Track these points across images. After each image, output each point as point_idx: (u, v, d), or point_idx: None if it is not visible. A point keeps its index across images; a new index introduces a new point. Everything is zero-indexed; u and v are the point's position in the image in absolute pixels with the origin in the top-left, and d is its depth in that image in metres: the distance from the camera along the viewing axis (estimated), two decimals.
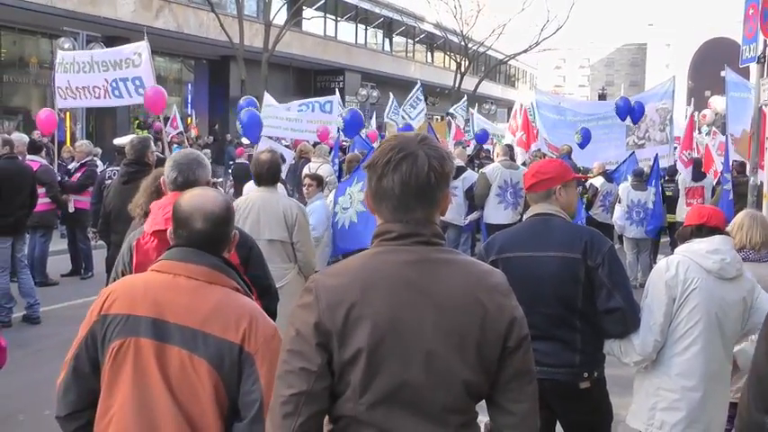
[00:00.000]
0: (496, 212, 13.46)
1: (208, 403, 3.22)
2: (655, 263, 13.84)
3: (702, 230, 5.13)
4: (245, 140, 19.38)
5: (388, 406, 2.69)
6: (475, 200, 14.13)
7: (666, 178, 16.92)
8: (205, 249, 3.37)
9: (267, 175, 7.03)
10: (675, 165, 18.62)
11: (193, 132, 31.47)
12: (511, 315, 2.78)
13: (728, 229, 5.97)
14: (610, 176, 15.86)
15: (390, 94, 28.86)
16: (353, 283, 2.72)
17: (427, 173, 2.73)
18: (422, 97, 26.53)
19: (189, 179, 4.85)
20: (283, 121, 19.49)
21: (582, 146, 18.63)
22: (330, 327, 2.67)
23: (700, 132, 24.21)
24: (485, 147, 24.94)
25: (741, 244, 5.97)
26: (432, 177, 2.74)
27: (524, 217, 5.23)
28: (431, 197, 2.77)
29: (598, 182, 15.64)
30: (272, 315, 4.74)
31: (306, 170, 14.20)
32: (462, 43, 53.50)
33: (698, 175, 16.19)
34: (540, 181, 4.98)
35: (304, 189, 10.74)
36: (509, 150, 14.98)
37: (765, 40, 10.18)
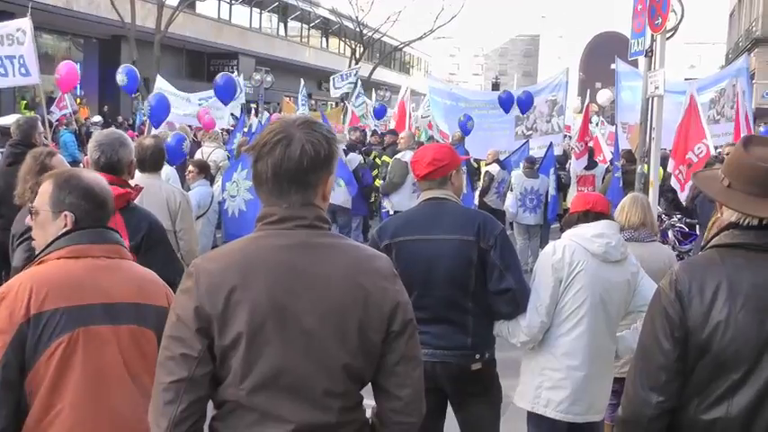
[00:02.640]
0: (410, 202, 12.58)
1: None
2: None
3: (588, 216, 5.30)
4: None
5: (269, 390, 2.68)
6: (387, 186, 13.74)
7: (557, 166, 17.17)
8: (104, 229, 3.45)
9: (150, 161, 6.76)
10: (566, 153, 18.95)
11: (81, 115, 30.38)
12: (394, 299, 2.81)
13: (616, 213, 6.31)
14: (503, 164, 16.04)
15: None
16: (234, 267, 2.70)
17: (299, 157, 2.71)
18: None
19: (111, 159, 4.96)
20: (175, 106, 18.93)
21: (465, 132, 18.68)
22: (210, 311, 2.65)
23: (590, 122, 24.76)
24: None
25: (620, 224, 6.19)
26: (304, 161, 2.71)
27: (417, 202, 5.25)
28: (304, 181, 2.75)
29: (494, 169, 15.81)
30: None
31: (198, 155, 13.91)
32: (357, 29, 53.51)
33: (590, 163, 16.50)
34: (438, 168, 4.97)
35: (187, 175, 10.52)
36: (414, 137, 14.88)
37: (653, 35, 10.42)
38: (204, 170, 10.34)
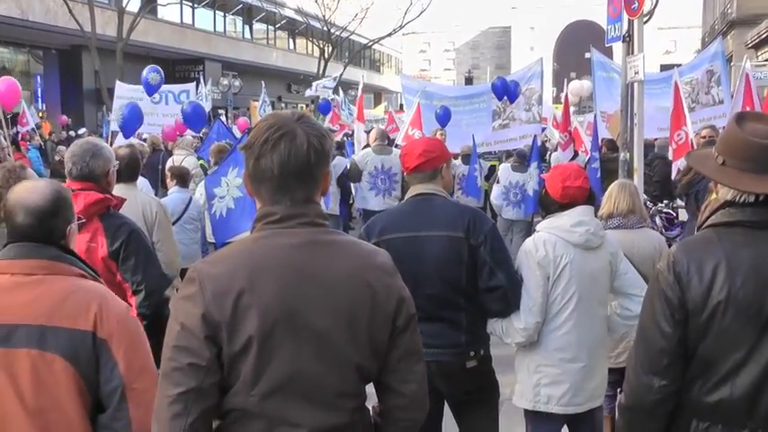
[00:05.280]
0: (369, 199, 12.87)
1: (69, 402, 2.98)
2: None
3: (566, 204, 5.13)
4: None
5: (281, 395, 2.61)
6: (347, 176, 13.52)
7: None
8: (34, 242, 3.14)
9: (125, 171, 6.64)
10: (544, 144, 18.84)
11: (44, 130, 29.41)
12: (398, 295, 2.78)
13: (603, 201, 6.29)
14: (468, 159, 15.68)
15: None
16: (239, 270, 2.61)
17: (306, 151, 2.66)
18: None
19: (83, 171, 4.91)
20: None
21: (442, 123, 18.50)
22: (218, 317, 2.56)
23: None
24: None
25: (609, 212, 6.18)
26: (311, 155, 2.67)
27: (405, 197, 5.13)
28: (311, 176, 2.71)
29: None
30: (158, 322, 4.46)
31: (169, 162, 13.72)
32: (325, 28, 53.29)
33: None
34: (429, 160, 4.88)
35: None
36: (384, 134, 14.58)
37: (629, 20, 10.38)
38: (177, 177, 10.16)
